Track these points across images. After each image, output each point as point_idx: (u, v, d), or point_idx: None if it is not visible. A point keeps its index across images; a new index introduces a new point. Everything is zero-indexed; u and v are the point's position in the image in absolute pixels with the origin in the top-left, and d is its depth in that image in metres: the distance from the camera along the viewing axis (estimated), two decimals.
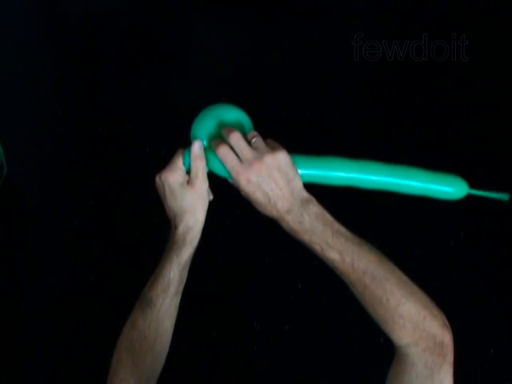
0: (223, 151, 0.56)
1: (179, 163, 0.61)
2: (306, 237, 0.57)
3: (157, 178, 0.62)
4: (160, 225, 1.74)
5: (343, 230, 0.57)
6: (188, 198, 0.61)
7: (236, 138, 0.56)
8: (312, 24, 2.31)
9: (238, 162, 0.56)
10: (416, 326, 0.54)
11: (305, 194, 0.58)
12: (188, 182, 0.61)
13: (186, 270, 0.62)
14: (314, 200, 0.58)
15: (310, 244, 0.57)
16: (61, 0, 2.62)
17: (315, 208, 0.57)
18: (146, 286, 0.62)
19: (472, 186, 0.61)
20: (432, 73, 2.06)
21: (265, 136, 0.60)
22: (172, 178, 0.60)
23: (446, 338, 0.55)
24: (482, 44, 2.13)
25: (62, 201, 1.75)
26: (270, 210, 0.57)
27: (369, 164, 0.62)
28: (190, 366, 1.36)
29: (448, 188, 0.62)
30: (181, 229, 0.61)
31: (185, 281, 0.63)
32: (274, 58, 2.17)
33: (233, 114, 0.64)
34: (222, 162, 0.57)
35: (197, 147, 0.60)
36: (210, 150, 0.61)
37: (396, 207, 1.65)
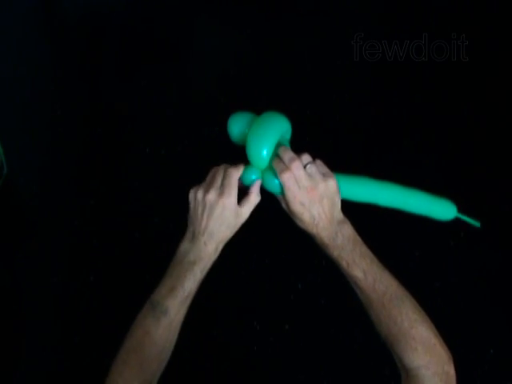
0: (287, 178, 0.59)
1: (235, 187, 0.61)
2: (335, 252, 0.62)
3: (205, 196, 0.61)
4: (160, 225, 1.74)
5: (370, 253, 0.62)
6: (234, 224, 0.63)
7: (297, 168, 0.59)
8: (312, 24, 2.31)
9: (298, 188, 0.60)
10: (427, 350, 0.58)
11: (341, 215, 0.63)
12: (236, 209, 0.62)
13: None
14: (348, 222, 0.63)
15: (338, 259, 0.62)
16: (61, 0, 2.62)
17: (349, 229, 0.63)
18: (158, 291, 0.62)
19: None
20: (432, 73, 2.06)
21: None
22: (229, 202, 0.61)
23: (452, 370, 0.59)
24: (481, 44, 2.13)
25: (62, 201, 1.75)
26: (310, 228, 0.62)
27: (387, 185, 0.68)
28: (190, 366, 1.36)
29: (441, 211, 0.73)
30: (210, 247, 0.63)
31: None
32: (274, 58, 2.17)
33: (283, 125, 0.64)
34: (278, 182, 0.61)
35: (258, 185, 0.63)
36: (268, 169, 0.62)
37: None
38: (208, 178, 0.64)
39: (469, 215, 0.70)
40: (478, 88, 2.00)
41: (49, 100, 2.10)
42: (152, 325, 0.60)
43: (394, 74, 2.09)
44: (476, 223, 0.71)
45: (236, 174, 0.61)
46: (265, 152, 0.62)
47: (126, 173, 1.83)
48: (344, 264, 0.61)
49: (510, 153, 1.80)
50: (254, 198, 0.63)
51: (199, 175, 0.68)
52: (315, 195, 0.60)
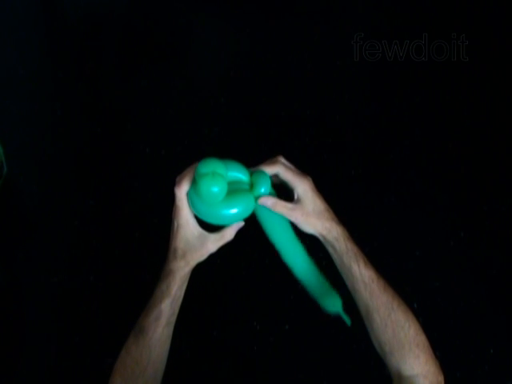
0: (283, 161, 0.61)
1: (183, 205, 0.59)
2: (355, 248, 0.60)
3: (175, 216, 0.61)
4: (160, 225, 1.74)
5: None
6: (198, 246, 0.60)
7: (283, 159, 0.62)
8: (312, 24, 2.31)
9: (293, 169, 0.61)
10: (428, 359, 0.58)
11: None
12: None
13: (178, 302, 0.62)
14: None
15: (357, 257, 0.60)
16: (61, 0, 2.62)
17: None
18: (141, 314, 0.62)
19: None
20: (432, 73, 2.06)
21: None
22: (181, 220, 0.60)
23: (443, 382, 0.59)
24: (481, 44, 2.13)
25: (62, 201, 1.75)
26: (332, 219, 0.62)
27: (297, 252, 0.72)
28: (190, 366, 1.36)
29: (327, 303, 0.74)
30: (173, 265, 0.60)
31: (177, 312, 0.62)
32: (274, 58, 2.17)
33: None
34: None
35: (237, 228, 0.61)
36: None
37: (396, 207, 1.65)
38: None
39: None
40: (478, 88, 2.00)
41: (49, 100, 2.10)
42: (133, 345, 0.61)
43: (394, 73, 2.09)
44: (348, 322, 0.71)
45: (178, 193, 0.59)
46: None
47: (126, 173, 1.83)
48: (362, 262, 0.59)
49: (510, 152, 1.80)
50: (227, 235, 0.61)
51: None
52: (311, 182, 0.60)
